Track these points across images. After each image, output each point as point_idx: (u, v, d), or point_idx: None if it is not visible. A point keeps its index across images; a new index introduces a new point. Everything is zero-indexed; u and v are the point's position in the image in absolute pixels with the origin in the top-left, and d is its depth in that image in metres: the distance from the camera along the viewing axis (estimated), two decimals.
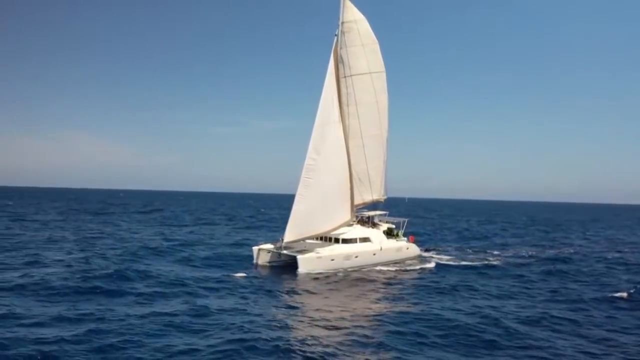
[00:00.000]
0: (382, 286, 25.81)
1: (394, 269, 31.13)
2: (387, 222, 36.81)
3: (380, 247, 32.47)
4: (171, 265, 29.30)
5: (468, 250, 42.42)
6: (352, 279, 27.57)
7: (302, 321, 17.92)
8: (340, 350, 14.56)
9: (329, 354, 14.12)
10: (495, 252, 40.79)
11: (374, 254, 31.95)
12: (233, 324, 16.88)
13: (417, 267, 32.12)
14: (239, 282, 25.20)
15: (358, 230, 32.77)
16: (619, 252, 44.51)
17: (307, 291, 23.75)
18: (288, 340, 15.16)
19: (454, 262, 34.52)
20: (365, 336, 16.07)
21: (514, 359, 14.65)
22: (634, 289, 24.90)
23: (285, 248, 29.87)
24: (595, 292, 24.81)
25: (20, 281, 22.34)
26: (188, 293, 21.87)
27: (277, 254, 30.60)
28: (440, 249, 42.35)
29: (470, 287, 25.41)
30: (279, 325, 17.08)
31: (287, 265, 29.95)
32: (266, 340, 15.02)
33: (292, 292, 23.42)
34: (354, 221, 33.39)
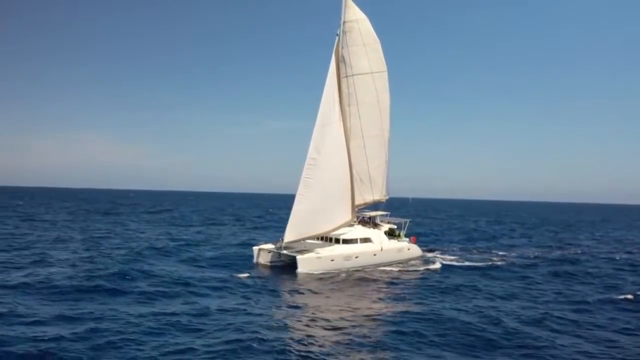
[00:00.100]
0: (384, 286, 25.76)
1: (396, 269, 31.03)
2: (388, 223, 36.66)
3: (381, 247, 32.29)
4: (176, 265, 29.49)
5: (473, 250, 42.14)
6: (354, 279, 27.55)
7: (302, 321, 17.94)
8: (340, 350, 14.57)
9: (329, 354, 14.13)
10: (501, 253, 40.45)
11: (375, 255, 31.80)
12: (233, 323, 16.93)
13: (420, 267, 31.99)
14: (241, 282, 25.30)
15: (359, 231, 32.62)
16: (628, 252, 43.94)
17: (309, 291, 23.78)
18: (288, 341, 15.18)
19: (458, 262, 34.32)
20: (366, 336, 16.05)
21: (514, 359, 14.57)
22: None
23: (285, 248, 29.89)
24: (600, 294, 24.52)
25: (25, 280, 22.61)
26: (190, 292, 22.00)
27: (277, 254, 30.65)
28: (444, 249, 42.11)
29: (473, 288, 25.24)
30: (279, 325, 17.10)
31: (287, 266, 29.99)
32: (266, 340, 15.05)
33: (294, 291, 23.46)
34: (355, 221, 33.28)
